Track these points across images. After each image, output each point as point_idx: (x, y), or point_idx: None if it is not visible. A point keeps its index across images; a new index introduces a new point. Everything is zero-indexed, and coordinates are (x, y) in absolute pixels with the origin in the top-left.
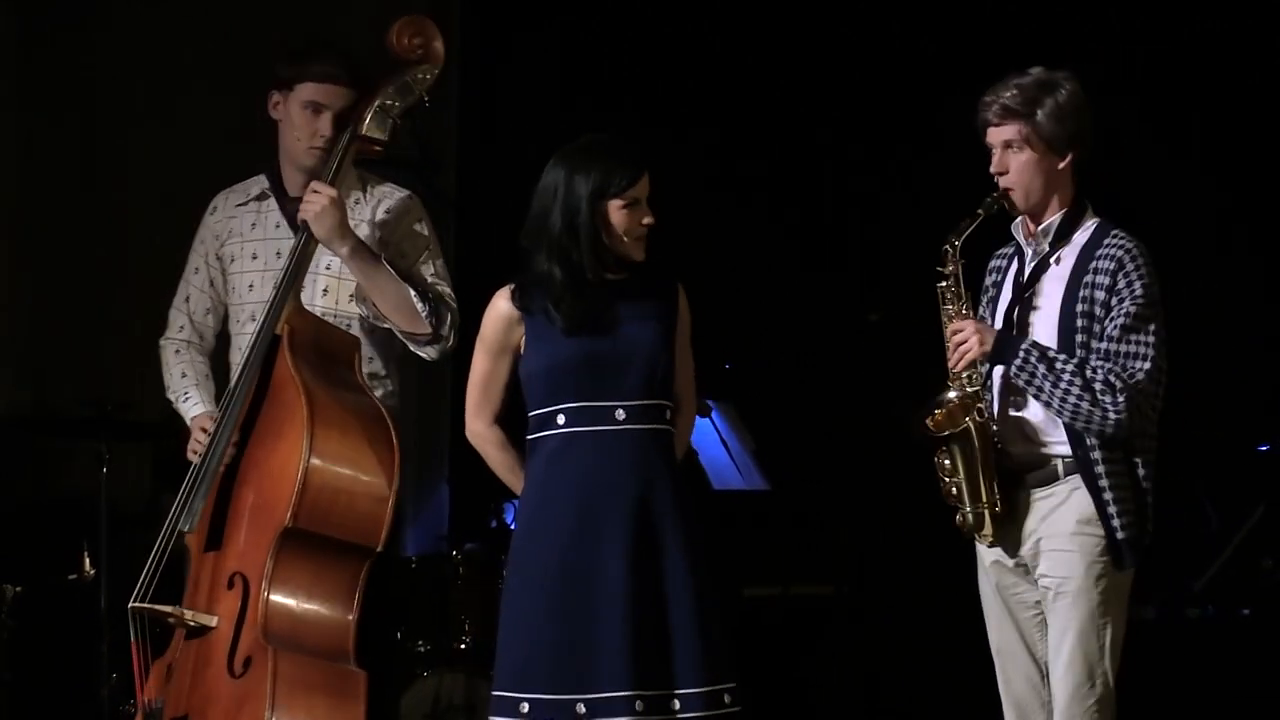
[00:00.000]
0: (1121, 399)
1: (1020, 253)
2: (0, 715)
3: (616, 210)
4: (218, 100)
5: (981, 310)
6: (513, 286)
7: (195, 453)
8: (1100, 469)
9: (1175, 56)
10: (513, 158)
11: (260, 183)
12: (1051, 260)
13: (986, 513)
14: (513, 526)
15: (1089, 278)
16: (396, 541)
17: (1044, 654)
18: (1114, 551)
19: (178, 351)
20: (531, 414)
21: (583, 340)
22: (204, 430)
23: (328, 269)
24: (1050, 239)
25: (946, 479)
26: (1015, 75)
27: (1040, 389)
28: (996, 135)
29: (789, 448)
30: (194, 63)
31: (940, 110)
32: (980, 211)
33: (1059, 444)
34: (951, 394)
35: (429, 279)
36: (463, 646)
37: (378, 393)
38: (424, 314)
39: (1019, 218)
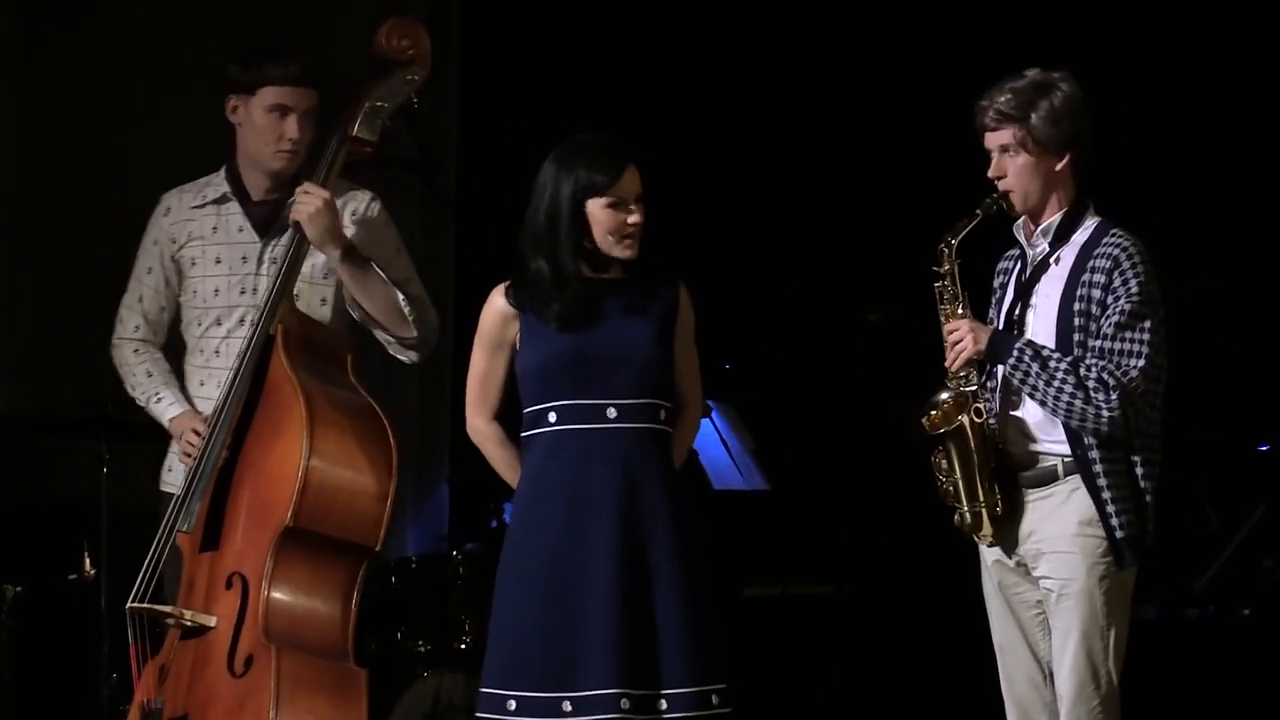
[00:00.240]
0: (1115, 396)
1: (1023, 254)
2: (0, 715)
3: (599, 209)
4: (218, 100)
5: (990, 312)
6: (508, 283)
7: (189, 455)
8: (1099, 468)
9: (1175, 56)
10: (513, 158)
11: (218, 185)
12: (1051, 260)
13: (984, 512)
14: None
15: (1086, 277)
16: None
17: (1046, 653)
18: (1115, 552)
19: (137, 351)
20: (525, 411)
21: (575, 338)
22: (196, 432)
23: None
24: (1050, 239)
25: (943, 478)
26: (1011, 78)
27: (1035, 387)
28: (993, 139)
29: (789, 448)
30: (194, 63)
31: (940, 110)
32: (979, 212)
33: (1058, 444)
34: (946, 393)
35: (404, 280)
36: (463, 646)
37: None
38: (410, 316)
39: (1021, 219)
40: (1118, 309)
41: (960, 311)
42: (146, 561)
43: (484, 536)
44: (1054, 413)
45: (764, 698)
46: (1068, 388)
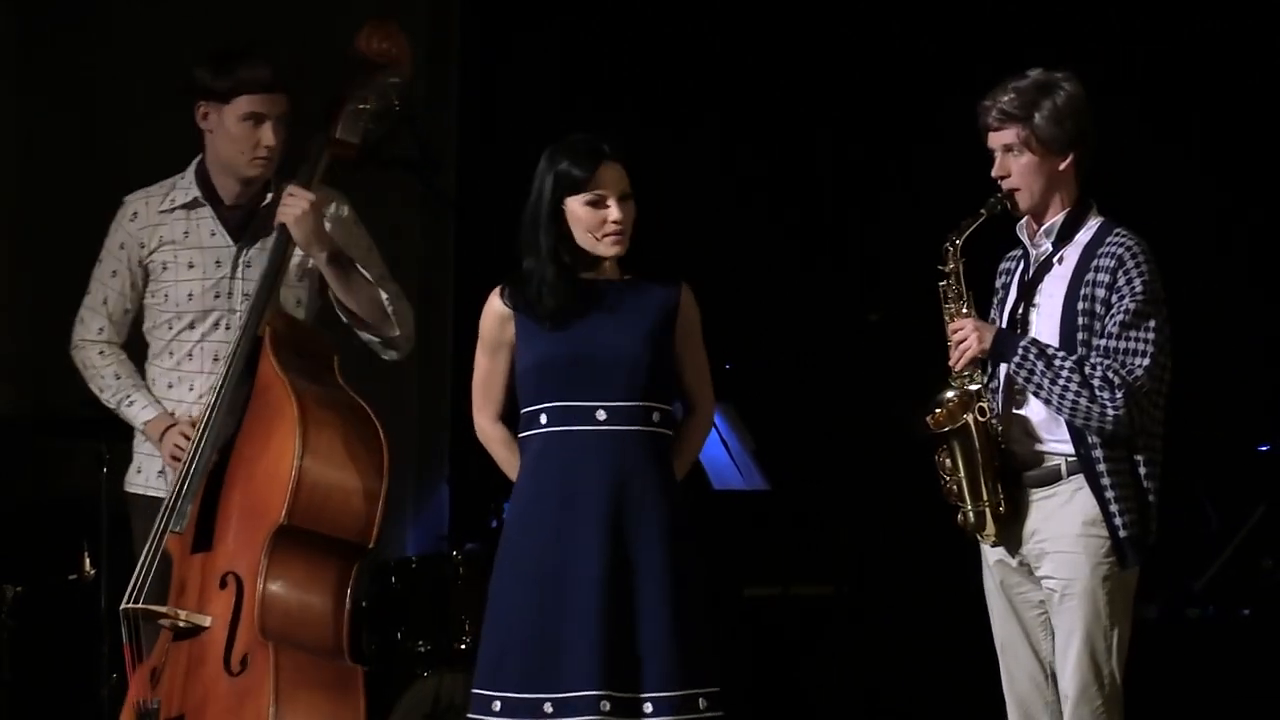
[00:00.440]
0: (1120, 395)
1: (1026, 254)
2: (0, 715)
3: (578, 206)
4: None
5: (992, 313)
6: (504, 284)
7: (176, 458)
8: (1102, 468)
9: (1175, 56)
10: (513, 158)
11: (186, 189)
12: (1054, 260)
13: (988, 511)
14: None
15: (1090, 276)
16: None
17: (1048, 652)
18: (1118, 551)
19: (102, 352)
20: (521, 412)
21: (566, 339)
22: (184, 435)
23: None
24: (1053, 239)
25: (947, 477)
26: (1014, 78)
27: (1039, 386)
28: (997, 139)
29: (789, 448)
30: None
31: (940, 110)
32: (983, 211)
33: (1062, 443)
34: (951, 392)
35: (380, 277)
36: (463, 646)
37: None
38: (392, 313)
39: (1023, 219)
40: (1122, 308)
41: (965, 311)
42: (139, 563)
43: (484, 536)
44: (1059, 411)
45: (764, 698)
46: (1073, 386)
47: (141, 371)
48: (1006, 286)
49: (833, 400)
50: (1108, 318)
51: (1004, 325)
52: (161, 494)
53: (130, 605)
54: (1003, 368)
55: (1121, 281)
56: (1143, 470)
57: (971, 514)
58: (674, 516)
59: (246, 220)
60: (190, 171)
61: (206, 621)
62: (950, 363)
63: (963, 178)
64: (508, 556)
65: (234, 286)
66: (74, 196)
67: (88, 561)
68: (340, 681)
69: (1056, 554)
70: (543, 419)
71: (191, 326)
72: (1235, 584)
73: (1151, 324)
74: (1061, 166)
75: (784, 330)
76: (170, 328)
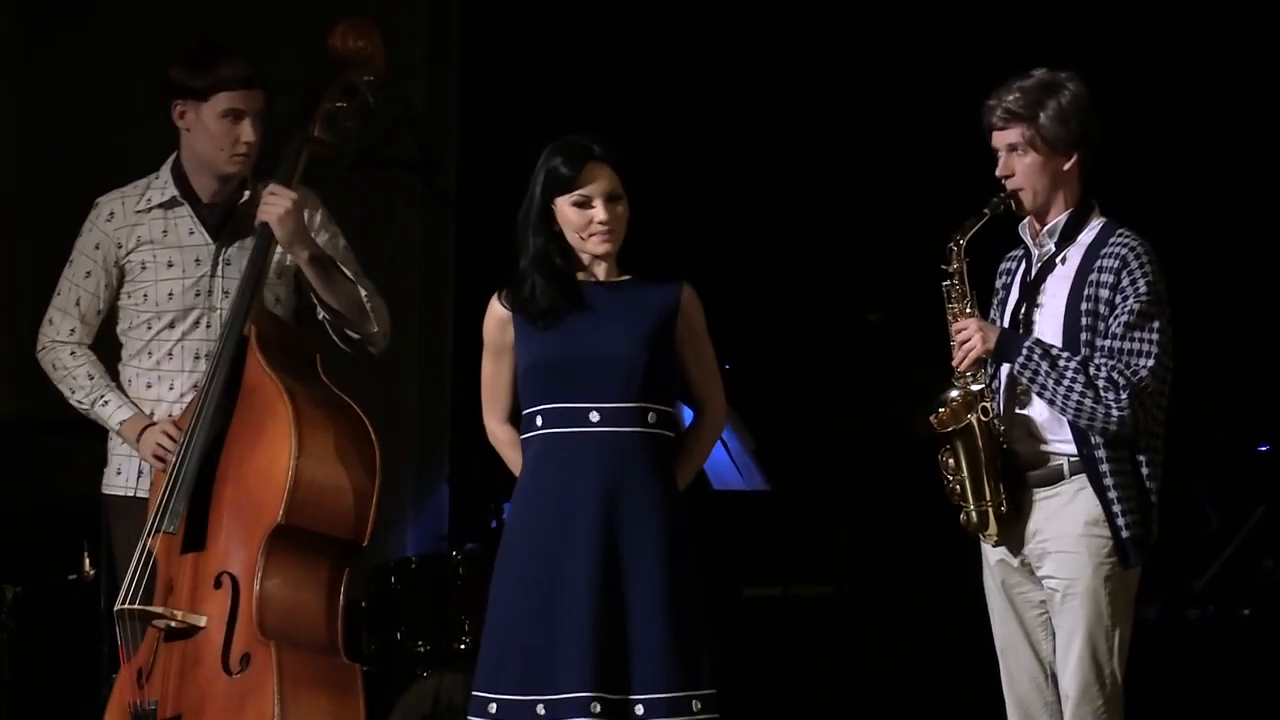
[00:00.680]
0: (1125, 396)
1: (1028, 254)
2: (0, 715)
3: (566, 206)
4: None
5: (992, 313)
6: (503, 287)
7: (159, 458)
8: (1105, 468)
9: (1175, 56)
10: (513, 158)
11: (163, 188)
12: (1057, 260)
13: (991, 511)
14: None
15: (1094, 276)
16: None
17: (1048, 653)
18: (1120, 551)
19: (74, 353)
20: (522, 413)
21: (560, 340)
22: (166, 434)
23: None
24: (1056, 239)
25: (950, 477)
26: (1018, 78)
27: (1044, 386)
28: (1001, 139)
29: (789, 448)
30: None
31: (941, 110)
32: (986, 211)
33: (1064, 443)
34: (954, 392)
35: (356, 274)
36: (463, 646)
37: None
38: (371, 311)
39: (1026, 219)
40: (1127, 308)
41: (969, 311)
42: (133, 563)
43: (484, 536)
44: (1063, 412)
45: (764, 698)
46: (1078, 387)
47: (113, 373)
48: (1007, 286)
49: (833, 400)
50: (1111, 318)
51: (1006, 325)
52: (144, 495)
53: (126, 606)
54: (1004, 368)
55: (1125, 282)
56: (1145, 470)
57: (974, 514)
58: (669, 518)
59: (225, 218)
60: (165, 171)
61: (202, 621)
62: (954, 363)
63: (962, 178)
64: (508, 558)
65: (214, 284)
66: (74, 196)
67: (88, 561)
68: (340, 679)
69: (1058, 554)
70: (539, 421)
71: (172, 325)
72: (1235, 584)
73: (1155, 325)
74: (1065, 166)
75: (784, 330)
76: (149, 327)
